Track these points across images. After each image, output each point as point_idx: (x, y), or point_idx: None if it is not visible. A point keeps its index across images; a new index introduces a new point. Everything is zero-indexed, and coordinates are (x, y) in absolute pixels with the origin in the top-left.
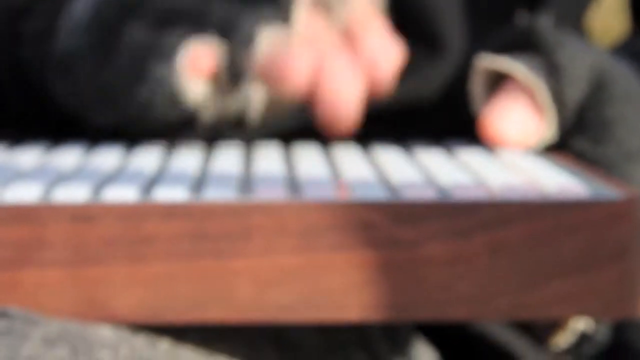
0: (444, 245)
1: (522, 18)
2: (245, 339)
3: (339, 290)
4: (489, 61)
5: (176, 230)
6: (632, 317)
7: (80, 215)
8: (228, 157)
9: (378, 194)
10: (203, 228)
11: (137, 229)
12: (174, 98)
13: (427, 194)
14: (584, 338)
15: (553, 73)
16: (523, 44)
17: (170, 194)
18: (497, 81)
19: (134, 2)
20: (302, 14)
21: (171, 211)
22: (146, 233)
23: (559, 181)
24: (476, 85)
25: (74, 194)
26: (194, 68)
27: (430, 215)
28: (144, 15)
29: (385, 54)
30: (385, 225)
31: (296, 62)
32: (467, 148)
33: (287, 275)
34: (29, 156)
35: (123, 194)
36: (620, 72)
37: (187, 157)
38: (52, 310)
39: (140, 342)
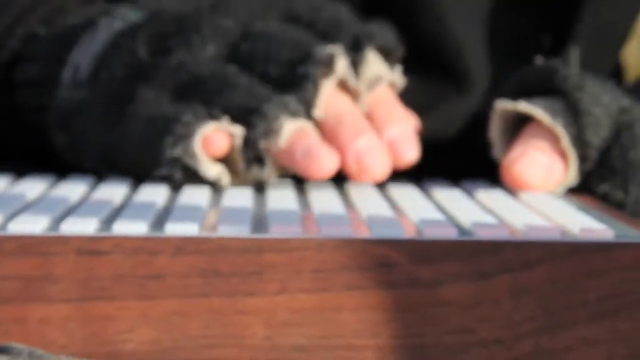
0: (464, 287)
1: (543, 58)
2: None
3: (355, 331)
4: (510, 104)
5: (187, 267)
6: None
7: (88, 248)
8: (241, 193)
9: (396, 232)
10: (215, 265)
11: (147, 264)
12: (189, 175)
13: (447, 233)
14: None
15: (575, 117)
16: (545, 86)
17: (181, 229)
18: (517, 124)
19: (145, 62)
20: (326, 97)
21: (182, 247)
22: (156, 268)
23: (583, 223)
24: (495, 127)
25: (82, 226)
26: (210, 149)
27: (450, 255)
28: (160, 80)
29: (408, 139)
30: (403, 264)
31: (323, 156)
32: (487, 189)
33: (301, 315)
34: (36, 188)
35: (133, 227)
36: None
37: (200, 192)
38: (59, 347)
39: None
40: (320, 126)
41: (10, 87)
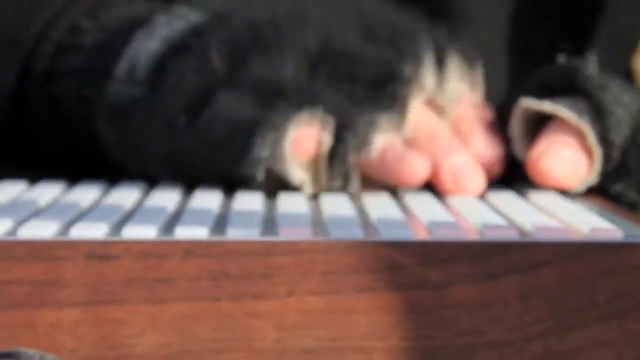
0: (474, 288)
1: (565, 58)
2: None
3: (365, 334)
4: (534, 103)
5: (197, 270)
6: None
7: (98, 253)
8: (252, 197)
9: (405, 234)
10: (224, 268)
11: (156, 268)
12: (275, 179)
13: (456, 235)
14: None
15: (599, 117)
16: (567, 85)
17: (191, 232)
18: (536, 123)
19: (221, 73)
20: (416, 111)
21: (191, 250)
22: (166, 272)
23: (593, 224)
24: (516, 125)
25: (92, 231)
26: (299, 150)
27: (460, 256)
28: (239, 85)
29: (493, 152)
30: (413, 266)
31: (416, 162)
32: (496, 190)
33: (311, 318)
34: (49, 194)
35: (143, 232)
36: None
37: (210, 196)
38: (69, 352)
39: None
40: (411, 144)
41: (51, 78)
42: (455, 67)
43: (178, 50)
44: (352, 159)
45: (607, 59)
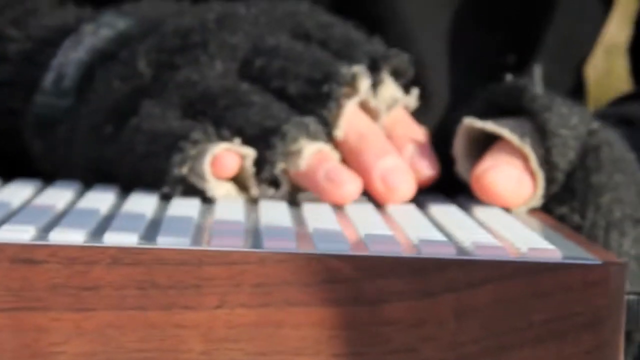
0: (408, 305)
1: (510, 76)
2: None
3: (295, 348)
4: (478, 122)
5: (124, 278)
6: None
7: (22, 257)
8: (188, 204)
9: (340, 246)
10: (152, 277)
11: (83, 275)
12: (190, 192)
13: (392, 249)
14: None
15: (542, 138)
16: (512, 104)
17: (119, 238)
18: (481, 142)
19: (147, 77)
20: (349, 112)
21: (119, 257)
22: (92, 279)
23: (533, 243)
24: (459, 143)
25: (18, 234)
26: (219, 170)
27: (395, 272)
28: (167, 96)
29: (428, 157)
30: (347, 280)
31: (345, 177)
32: (440, 204)
33: (240, 330)
34: None
35: (70, 236)
36: (611, 138)
37: (145, 200)
38: None
39: None
40: (341, 146)
41: None
42: (389, 72)
43: (105, 58)
44: (280, 165)
45: (555, 70)
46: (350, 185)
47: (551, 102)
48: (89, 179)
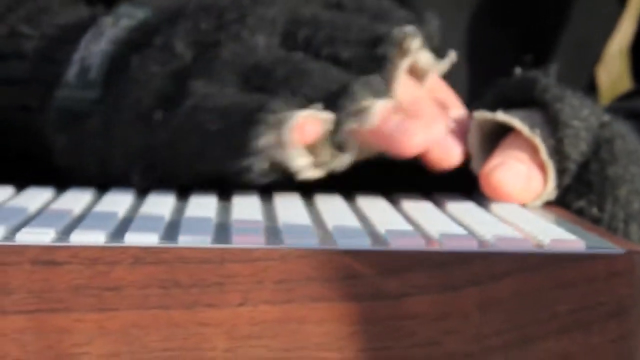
0: (431, 299)
1: (523, 68)
2: None
3: (319, 344)
4: (488, 114)
5: (146, 278)
6: None
7: (44, 259)
8: (206, 202)
9: (362, 242)
10: (175, 275)
11: (104, 275)
12: (277, 167)
13: (414, 244)
14: None
15: (554, 129)
16: (524, 97)
17: (141, 239)
18: (496, 136)
19: (188, 59)
20: (402, 81)
21: (141, 257)
22: (114, 280)
23: (553, 234)
24: (473, 138)
25: (39, 236)
26: (303, 138)
27: (417, 266)
28: (217, 74)
29: (466, 127)
30: (369, 275)
31: (415, 133)
32: (458, 201)
33: (263, 327)
34: None
35: (91, 237)
36: (623, 130)
37: (162, 201)
38: None
39: None
40: (397, 110)
41: None
42: (424, 37)
43: (132, 47)
44: (351, 125)
45: (568, 71)
46: (420, 135)
47: (563, 92)
48: (132, 170)
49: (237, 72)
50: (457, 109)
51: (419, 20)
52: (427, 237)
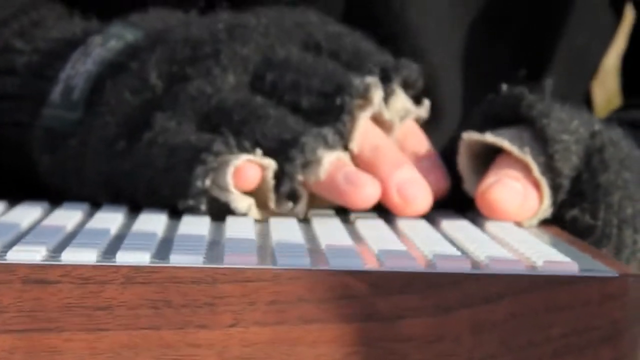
0: (424, 321)
1: (518, 83)
2: None
3: None
4: (476, 135)
5: (137, 297)
6: None
7: (35, 277)
8: (198, 220)
9: (354, 262)
10: (166, 295)
11: (96, 295)
12: (220, 206)
13: (406, 264)
14: None
15: (543, 145)
16: (512, 114)
17: (132, 258)
18: (486, 154)
19: (159, 89)
20: (362, 129)
21: (132, 276)
22: (106, 299)
23: (548, 256)
24: (463, 159)
25: (30, 255)
26: (242, 182)
27: (410, 287)
28: (180, 109)
29: (440, 170)
30: (362, 296)
31: (366, 185)
32: (452, 219)
33: (255, 349)
34: None
35: (83, 256)
36: (615, 137)
37: (155, 218)
38: None
39: None
40: (356, 159)
41: None
42: (400, 83)
43: (114, 70)
44: (300, 177)
45: (564, 84)
46: (370, 187)
47: (549, 108)
48: (100, 194)
49: (198, 109)
50: (428, 157)
51: (397, 66)
52: (420, 258)
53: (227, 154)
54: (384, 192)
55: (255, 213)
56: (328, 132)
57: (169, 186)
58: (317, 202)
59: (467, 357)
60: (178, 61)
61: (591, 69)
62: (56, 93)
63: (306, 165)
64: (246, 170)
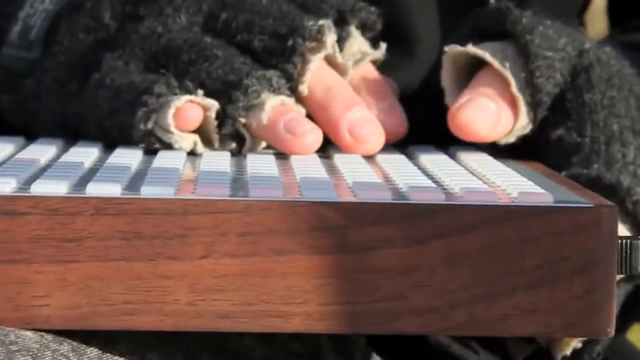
0: (397, 252)
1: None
2: (182, 347)
3: (282, 298)
4: (461, 47)
5: (107, 229)
6: (597, 336)
7: (4, 209)
8: (175, 155)
9: (327, 194)
10: (137, 227)
11: (65, 226)
12: (161, 144)
13: (380, 196)
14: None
15: (526, 61)
16: (498, 29)
17: (103, 189)
18: (470, 71)
19: (111, 28)
20: (315, 67)
21: (102, 208)
22: (75, 231)
23: (522, 188)
24: (447, 74)
25: (0, 185)
26: (182, 123)
27: (384, 218)
28: (129, 49)
29: (396, 112)
30: (334, 228)
31: (306, 127)
32: (430, 154)
33: (226, 281)
34: None
35: (53, 188)
36: (604, 56)
37: (132, 153)
38: None
39: (66, 348)
40: (308, 101)
41: None
42: (357, 25)
43: (71, 8)
44: (242, 119)
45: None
46: (310, 135)
47: (534, 23)
48: (56, 135)
49: (147, 49)
50: (384, 99)
51: (353, 9)
52: (394, 190)
53: (169, 95)
54: (336, 133)
55: (201, 149)
56: (273, 75)
57: (116, 128)
58: (257, 143)
59: (440, 288)
60: (132, 1)
61: (575, 4)
62: (14, 32)
63: (249, 108)
64: (187, 110)
